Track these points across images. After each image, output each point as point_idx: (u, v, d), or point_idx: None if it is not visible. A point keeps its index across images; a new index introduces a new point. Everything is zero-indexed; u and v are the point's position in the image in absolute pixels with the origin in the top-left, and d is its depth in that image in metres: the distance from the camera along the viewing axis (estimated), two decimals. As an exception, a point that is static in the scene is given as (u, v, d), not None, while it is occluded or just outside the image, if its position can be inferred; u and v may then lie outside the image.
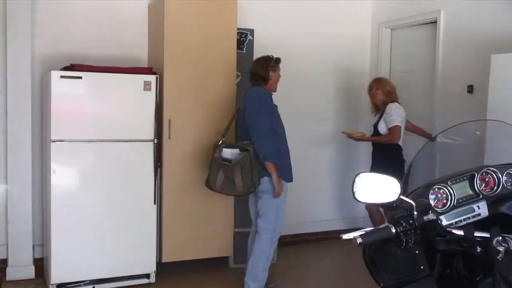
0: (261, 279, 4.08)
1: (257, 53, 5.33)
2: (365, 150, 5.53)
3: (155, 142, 4.49)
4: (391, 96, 4.88)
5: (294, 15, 5.78)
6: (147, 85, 4.42)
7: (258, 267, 4.06)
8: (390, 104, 4.78)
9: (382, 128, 4.82)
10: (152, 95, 4.44)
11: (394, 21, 5.78)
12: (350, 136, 5.07)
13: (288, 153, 4.19)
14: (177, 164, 4.66)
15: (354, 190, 1.81)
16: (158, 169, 4.57)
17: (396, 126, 4.66)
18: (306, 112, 5.85)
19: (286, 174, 4.11)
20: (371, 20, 6.13)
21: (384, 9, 5.93)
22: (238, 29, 5.01)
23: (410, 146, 4.58)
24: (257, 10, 5.54)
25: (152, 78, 4.45)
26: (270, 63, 4.09)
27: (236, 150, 4.04)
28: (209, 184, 4.14)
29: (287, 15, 5.75)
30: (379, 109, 4.95)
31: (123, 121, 4.37)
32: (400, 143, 4.73)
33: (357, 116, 6.11)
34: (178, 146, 4.65)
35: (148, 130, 4.45)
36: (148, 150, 4.45)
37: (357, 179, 1.82)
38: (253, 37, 5.48)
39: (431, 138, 4.05)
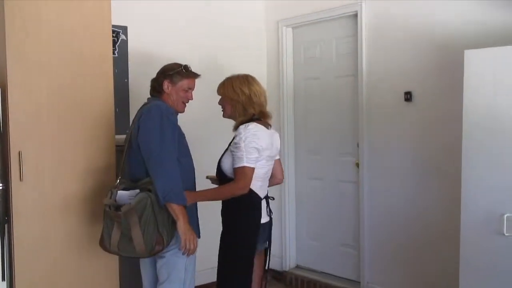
0: None
1: (134, 56, 4.14)
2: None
3: (0, 188, 3.07)
4: (244, 110, 3.00)
5: (175, 9, 4.54)
6: None
7: None
8: (241, 126, 2.94)
9: (227, 165, 2.99)
10: (-9, 117, 3.01)
11: (298, 18, 4.80)
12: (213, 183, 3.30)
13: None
14: (35, 217, 3.20)
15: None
16: (6, 227, 3.10)
17: (243, 168, 2.87)
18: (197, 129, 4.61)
19: (195, 223, 3.01)
20: (266, 17, 5.09)
21: (282, 3, 4.92)
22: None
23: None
24: (131, 1, 4.22)
25: (-11, 92, 3.01)
26: (168, 72, 3.04)
27: (135, 192, 2.82)
28: (103, 244, 2.93)
29: (166, 10, 4.49)
30: None
31: None
32: (257, 190, 2.98)
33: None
34: (35, 191, 3.20)
35: None
36: None
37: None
38: (126, 36, 4.20)
39: None
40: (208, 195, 2.98)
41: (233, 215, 2.98)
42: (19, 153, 3.11)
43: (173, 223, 2.78)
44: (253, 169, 2.86)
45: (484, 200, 2.98)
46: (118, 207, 2.80)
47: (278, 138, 3.15)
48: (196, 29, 4.64)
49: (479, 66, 3.01)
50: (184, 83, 3.03)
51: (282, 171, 3.26)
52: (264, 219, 3.01)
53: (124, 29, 4.19)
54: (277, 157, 3.18)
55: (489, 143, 2.96)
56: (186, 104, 3.09)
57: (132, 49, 4.25)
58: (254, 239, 2.94)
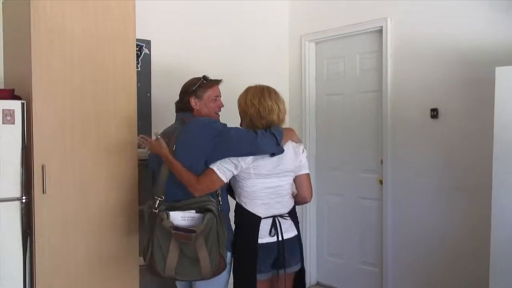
0: None
1: (156, 70, 4.14)
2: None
3: (23, 200, 3.06)
4: (251, 123, 2.90)
5: (198, 23, 4.54)
6: (7, 116, 3.01)
7: None
8: None
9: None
10: (16, 130, 3.04)
11: (320, 33, 4.77)
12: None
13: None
14: (57, 230, 3.20)
15: None
16: (29, 239, 3.10)
17: (211, 170, 2.76)
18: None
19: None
20: (288, 32, 5.08)
21: (305, 18, 4.90)
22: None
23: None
24: (154, 16, 4.23)
25: (15, 105, 3.04)
26: (190, 88, 3.01)
27: (190, 213, 2.72)
28: (155, 268, 2.73)
29: (190, 24, 4.49)
30: None
31: (-29, 171, 2.87)
32: (253, 208, 2.86)
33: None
34: (57, 204, 3.19)
35: (11, 182, 3.04)
36: (12, 213, 3.04)
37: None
38: (149, 50, 4.20)
39: None
40: (177, 168, 2.77)
41: (234, 234, 2.91)
42: (43, 167, 3.10)
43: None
44: (216, 174, 2.73)
45: (514, 219, 2.91)
46: (181, 229, 2.66)
47: (297, 154, 2.90)
48: (219, 42, 4.64)
49: (511, 82, 2.95)
50: (209, 93, 3.00)
51: (308, 188, 2.97)
52: (265, 239, 2.81)
53: (148, 43, 4.20)
54: (301, 173, 2.94)
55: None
56: (219, 113, 3.06)
57: (155, 63, 4.25)
58: (251, 258, 2.79)
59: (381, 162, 4.31)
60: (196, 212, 2.71)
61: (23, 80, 3.18)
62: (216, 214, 2.68)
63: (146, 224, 2.81)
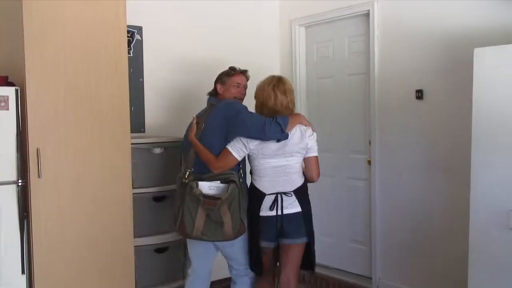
0: None
1: (148, 56, 4.23)
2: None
3: (19, 183, 3.14)
4: (260, 110, 3.34)
5: (189, 9, 4.61)
6: (2, 102, 3.09)
7: None
8: None
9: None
10: (10, 116, 3.12)
11: (310, 17, 4.85)
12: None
13: None
14: (53, 213, 3.30)
15: None
16: (25, 222, 3.18)
17: (225, 149, 3.19)
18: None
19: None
20: (279, 16, 5.15)
21: (295, 3, 4.97)
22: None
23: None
24: (146, 3, 4.30)
25: (9, 92, 3.12)
26: (218, 76, 3.50)
27: (216, 183, 3.15)
28: (184, 230, 3.17)
29: (181, 10, 4.56)
30: None
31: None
32: (259, 184, 3.25)
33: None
34: (53, 186, 3.29)
35: (7, 166, 3.12)
36: (8, 196, 3.13)
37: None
38: (141, 36, 4.28)
39: None
40: (200, 149, 3.19)
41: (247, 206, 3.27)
42: (37, 151, 3.20)
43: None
44: (231, 153, 3.13)
45: (493, 196, 3.02)
46: (208, 197, 3.06)
47: (303, 136, 3.18)
48: (210, 28, 4.71)
49: (488, 63, 3.04)
50: (232, 80, 3.40)
51: (315, 170, 3.28)
52: (265, 212, 3.17)
53: (139, 29, 4.28)
54: (309, 155, 3.23)
55: (497, 140, 3.00)
56: (240, 99, 3.39)
57: (147, 49, 4.33)
58: (254, 228, 3.21)
59: (369, 143, 4.41)
60: (221, 182, 3.11)
61: (17, 68, 3.25)
62: (239, 185, 3.09)
63: (177, 192, 3.22)
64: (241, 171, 3.27)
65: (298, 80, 4.99)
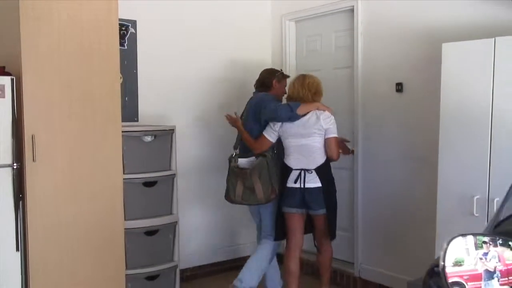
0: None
1: (142, 49, 4.43)
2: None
3: (15, 167, 3.35)
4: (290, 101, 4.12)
5: (182, 4, 4.80)
6: None
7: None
8: None
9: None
10: (6, 103, 3.33)
11: (300, 12, 5.02)
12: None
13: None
14: (47, 195, 3.52)
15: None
16: (21, 203, 3.41)
17: (262, 135, 4.00)
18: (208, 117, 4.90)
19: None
20: (271, 11, 5.33)
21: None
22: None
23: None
24: (139, -2, 4.51)
25: (5, 81, 3.33)
26: (276, 73, 4.20)
27: (252, 158, 3.95)
28: (229, 197, 4.02)
29: (174, 4, 4.76)
30: None
31: (-34, 140, 3.16)
32: (287, 161, 3.93)
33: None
34: (47, 170, 3.51)
35: (3, 151, 3.33)
36: (4, 179, 3.34)
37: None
38: (135, 29, 4.48)
39: None
40: (244, 135, 4.05)
41: None
42: (33, 136, 3.41)
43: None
44: (265, 137, 3.89)
45: (457, 184, 3.20)
46: (242, 168, 3.89)
47: (318, 119, 3.74)
48: (203, 22, 4.90)
49: (456, 58, 3.21)
50: (284, 82, 4.16)
51: (334, 149, 3.81)
52: (290, 184, 3.80)
53: (133, 23, 4.48)
54: (328, 136, 3.77)
55: (463, 131, 3.17)
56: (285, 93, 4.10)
57: (141, 41, 4.53)
58: (281, 196, 3.87)
59: (353, 133, 4.59)
60: (256, 158, 3.90)
61: (13, 59, 3.45)
62: (268, 159, 3.84)
63: (229, 168, 3.99)
64: (275, 150, 3.95)
65: (288, 72, 5.14)
